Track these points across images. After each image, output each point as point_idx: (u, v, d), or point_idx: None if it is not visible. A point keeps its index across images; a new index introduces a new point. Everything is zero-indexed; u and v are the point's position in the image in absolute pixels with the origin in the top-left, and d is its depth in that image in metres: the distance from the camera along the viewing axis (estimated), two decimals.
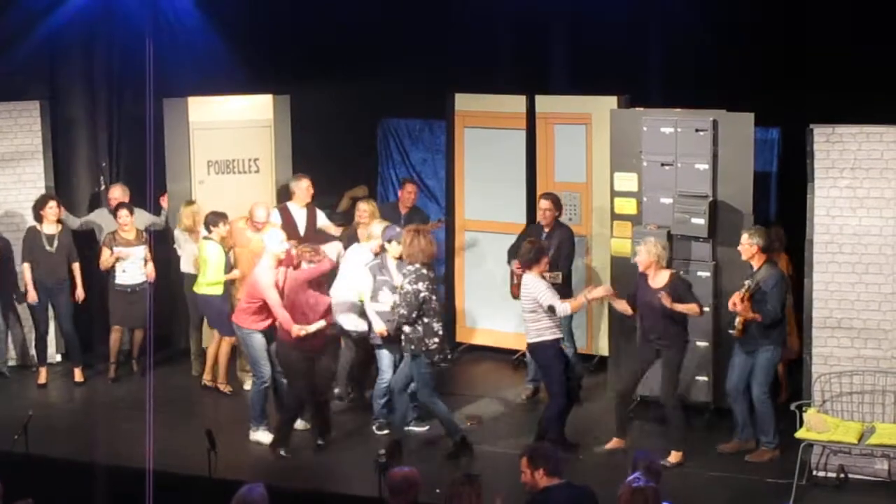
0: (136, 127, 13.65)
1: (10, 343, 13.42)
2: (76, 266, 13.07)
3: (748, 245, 10.71)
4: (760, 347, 10.76)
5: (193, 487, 9.99)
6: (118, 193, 13.39)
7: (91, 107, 14.35)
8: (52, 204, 12.97)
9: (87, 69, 14.33)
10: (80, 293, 13.10)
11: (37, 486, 8.71)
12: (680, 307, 10.62)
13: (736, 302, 10.62)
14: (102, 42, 14.30)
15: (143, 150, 12.38)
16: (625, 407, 11.20)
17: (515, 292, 12.41)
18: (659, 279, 10.78)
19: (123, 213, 12.96)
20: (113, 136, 14.53)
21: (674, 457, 10.75)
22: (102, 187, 14.37)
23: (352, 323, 11.75)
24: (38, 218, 13.00)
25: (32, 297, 12.99)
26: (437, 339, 10.91)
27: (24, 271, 13.00)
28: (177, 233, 13.21)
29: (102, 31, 14.21)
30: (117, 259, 12.95)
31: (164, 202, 13.74)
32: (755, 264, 10.74)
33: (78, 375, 13.14)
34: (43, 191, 13.41)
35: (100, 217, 13.57)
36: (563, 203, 12.59)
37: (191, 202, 13.25)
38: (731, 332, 10.81)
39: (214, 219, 12.55)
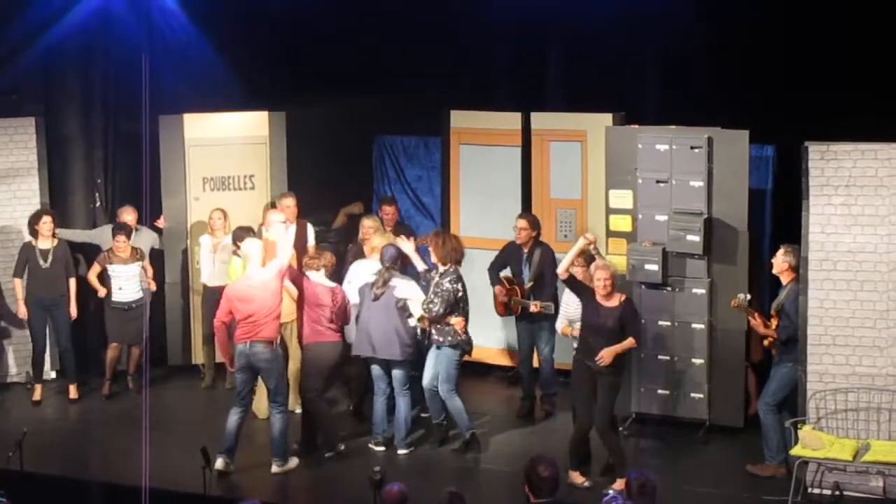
0: (131, 143, 13.66)
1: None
2: (72, 281, 13.07)
3: (781, 261, 10.83)
4: (779, 363, 10.83)
5: None
6: (129, 217, 13.35)
7: (86, 123, 14.32)
8: (47, 219, 12.97)
9: (83, 86, 14.31)
10: (72, 310, 13.08)
11: (32, 503, 8.71)
12: (616, 349, 10.44)
13: (756, 316, 10.83)
14: (98, 59, 14.28)
15: (138, 166, 12.41)
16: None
17: (501, 310, 12.46)
18: (611, 300, 10.62)
19: (121, 237, 12.94)
20: (108, 153, 14.51)
21: (618, 484, 10.13)
22: (98, 204, 14.37)
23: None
24: (34, 233, 13.00)
25: (22, 312, 12.99)
26: (458, 338, 11.42)
27: (15, 287, 13.00)
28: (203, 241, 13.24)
29: (98, 48, 14.19)
30: (100, 276, 12.95)
31: (159, 223, 13.73)
32: (784, 280, 10.85)
33: (73, 392, 13.11)
34: (38, 207, 13.41)
35: (101, 234, 13.55)
36: (542, 222, 12.58)
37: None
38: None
39: (241, 234, 12.46)
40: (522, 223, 12.33)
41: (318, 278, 11.39)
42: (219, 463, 10.79)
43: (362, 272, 11.90)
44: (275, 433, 10.99)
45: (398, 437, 11.60)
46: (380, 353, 11.47)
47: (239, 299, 10.97)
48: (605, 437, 10.62)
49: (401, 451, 11.57)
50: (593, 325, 10.54)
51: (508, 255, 12.49)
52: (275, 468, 10.98)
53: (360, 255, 12.46)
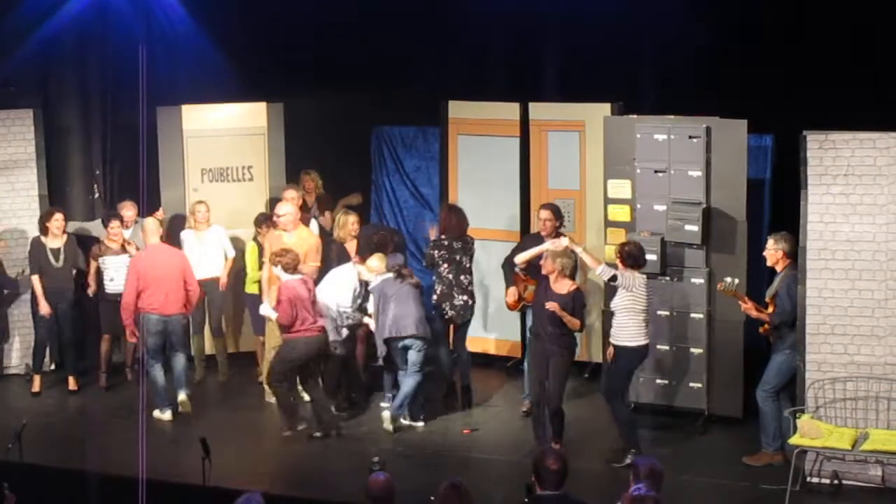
0: (129, 135, 13.65)
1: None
2: (93, 265, 13.05)
3: (774, 250, 10.79)
4: (777, 350, 10.82)
5: (187, 496, 9.97)
6: (129, 212, 13.32)
7: (85, 115, 14.35)
8: (59, 216, 12.92)
9: (81, 77, 14.34)
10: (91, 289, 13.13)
11: (31, 494, 8.70)
12: (563, 314, 10.75)
13: (746, 300, 10.83)
14: (96, 50, 14.30)
15: (136, 158, 12.39)
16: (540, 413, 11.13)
17: (514, 305, 12.35)
18: (560, 286, 10.89)
19: (114, 224, 12.93)
20: (107, 145, 14.54)
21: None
22: (97, 195, 14.36)
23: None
24: (44, 231, 12.95)
25: (45, 309, 12.92)
26: (434, 296, 12.38)
27: (35, 285, 12.92)
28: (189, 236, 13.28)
29: (96, 39, 14.21)
30: (98, 270, 12.97)
31: (158, 216, 13.70)
32: (779, 268, 10.82)
33: (72, 384, 13.11)
34: (36, 199, 13.41)
35: (98, 226, 13.53)
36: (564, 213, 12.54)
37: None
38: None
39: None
40: (547, 214, 11.94)
41: (287, 274, 11.66)
42: (167, 414, 11.87)
43: (341, 276, 12.13)
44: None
45: (394, 406, 11.88)
46: (418, 333, 11.80)
47: (149, 272, 11.91)
48: (557, 416, 10.96)
49: (385, 415, 11.87)
50: (541, 306, 10.92)
51: (528, 247, 12.25)
52: None
53: (343, 251, 12.50)
